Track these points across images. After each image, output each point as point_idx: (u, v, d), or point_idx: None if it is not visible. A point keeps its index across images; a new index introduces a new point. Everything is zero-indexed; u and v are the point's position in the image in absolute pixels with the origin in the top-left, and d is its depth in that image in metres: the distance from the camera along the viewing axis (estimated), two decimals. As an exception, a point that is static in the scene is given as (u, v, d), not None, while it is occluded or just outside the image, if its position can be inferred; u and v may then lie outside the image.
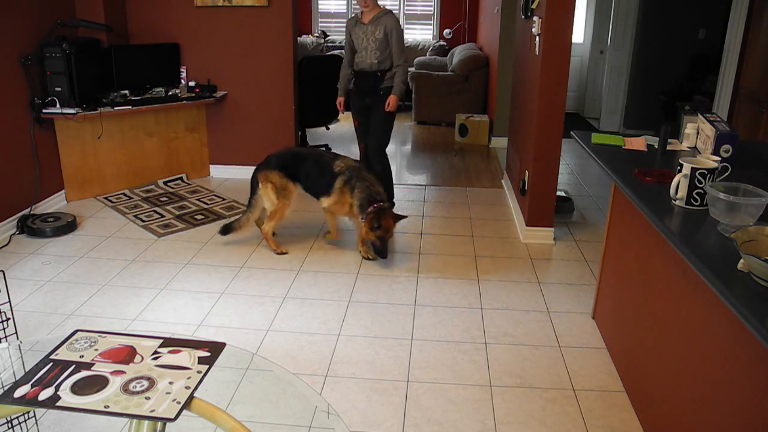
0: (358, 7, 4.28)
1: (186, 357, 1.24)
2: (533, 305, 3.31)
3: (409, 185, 5.39)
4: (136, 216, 4.44)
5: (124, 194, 4.88)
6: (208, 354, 1.25)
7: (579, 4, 7.14)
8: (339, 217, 4.11)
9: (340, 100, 4.61)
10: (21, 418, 2.03)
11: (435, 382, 2.63)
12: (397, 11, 9.44)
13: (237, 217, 4.10)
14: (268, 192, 3.82)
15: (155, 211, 4.55)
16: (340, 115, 6.65)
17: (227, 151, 5.40)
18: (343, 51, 8.52)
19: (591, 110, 8.37)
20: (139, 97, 4.87)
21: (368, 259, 3.81)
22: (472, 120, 6.93)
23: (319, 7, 9.78)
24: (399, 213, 3.95)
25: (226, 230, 3.96)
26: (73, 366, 1.19)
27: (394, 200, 4.69)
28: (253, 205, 3.91)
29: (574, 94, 8.40)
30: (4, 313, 1.92)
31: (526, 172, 4.17)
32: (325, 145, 6.27)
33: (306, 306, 3.26)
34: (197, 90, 5.07)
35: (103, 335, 1.30)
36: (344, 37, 4.55)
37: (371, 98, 4.35)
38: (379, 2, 4.26)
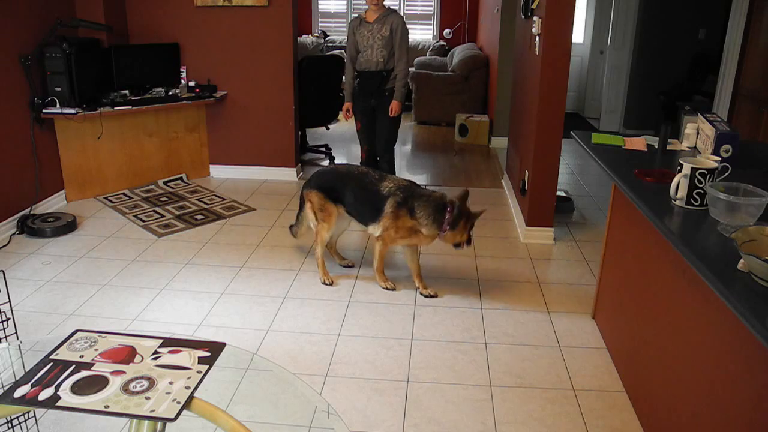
0: (359, 6, 4.28)
1: (186, 357, 1.24)
2: (533, 305, 3.31)
3: (409, 185, 5.38)
4: (136, 216, 4.44)
5: (124, 194, 4.88)
6: (208, 354, 1.25)
7: (579, 4, 7.13)
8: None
9: (348, 105, 4.43)
10: (21, 418, 2.03)
11: (435, 382, 2.63)
12: (397, 10, 9.44)
13: (295, 223, 3.80)
14: (308, 212, 3.53)
15: (155, 211, 4.55)
16: (341, 116, 6.64)
17: (227, 151, 5.40)
18: (342, 51, 8.64)
19: (591, 110, 8.37)
20: (139, 97, 4.87)
21: (431, 296, 3.38)
22: (472, 120, 6.93)
23: (319, 7, 9.77)
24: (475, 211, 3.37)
25: (292, 230, 3.81)
26: (73, 366, 1.19)
27: None
28: (300, 221, 3.69)
29: (574, 94, 8.40)
30: (4, 313, 1.92)
31: (526, 172, 4.17)
32: (325, 145, 6.27)
33: (306, 306, 3.26)
34: (197, 90, 5.07)
35: (103, 335, 1.30)
36: (346, 38, 4.44)
37: (377, 99, 4.31)
38: (385, 2, 4.27)
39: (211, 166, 5.45)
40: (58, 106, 4.36)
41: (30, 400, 1.10)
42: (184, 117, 5.17)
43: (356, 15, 4.48)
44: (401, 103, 4.29)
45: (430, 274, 3.65)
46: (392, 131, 4.41)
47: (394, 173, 4.53)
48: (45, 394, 1.11)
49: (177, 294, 3.36)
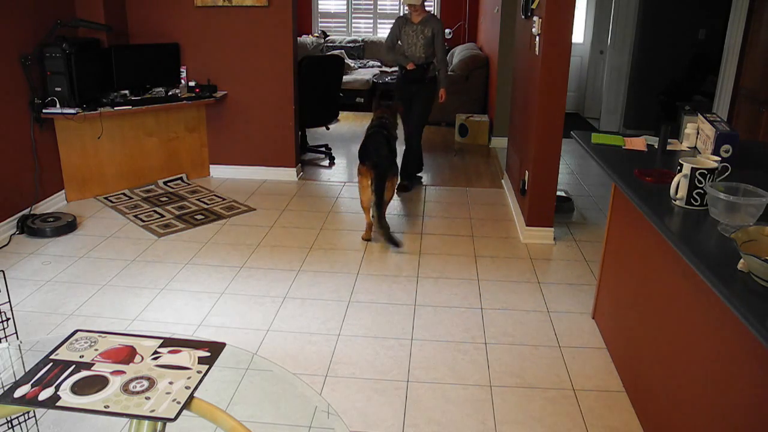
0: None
1: (186, 357, 1.24)
2: (533, 305, 3.31)
3: (409, 185, 5.38)
4: (136, 216, 4.44)
5: (124, 194, 4.88)
6: (208, 354, 1.25)
7: (579, 4, 7.14)
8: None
9: (411, 65, 5.01)
10: (21, 418, 2.03)
11: (435, 382, 2.63)
12: (398, 11, 9.44)
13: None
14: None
15: (155, 211, 4.55)
16: (340, 115, 6.65)
17: (227, 151, 5.40)
18: (342, 51, 8.71)
19: (591, 110, 8.37)
20: (139, 97, 4.87)
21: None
22: (472, 120, 6.93)
23: (319, 7, 9.77)
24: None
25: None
26: (73, 366, 1.19)
27: (421, 174, 5.50)
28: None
29: (574, 94, 8.39)
30: (4, 313, 1.92)
31: (526, 172, 4.17)
32: (325, 145, 6.27)
33: (306, 306, 3.26)
34: (197, 90, 5.07)
35: (103, 335, 1.30)
36: (391, 29, 5.14)
37: (417, 86, 5.06)
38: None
39: (211, 166, 5.45)
40: (58, 106, 4.36)
41: (30, 400, 1.10)
42: (184, 117, 5.17)
43: (402, 14, 5.24)
44: (445, 90, 5.12)
45: (429, 273, 3.65)
46: (426, 113, 5.17)
47: (420, 150, 5.33)
48: (45, 394, 1.11)
49: (177, 294, 3.36)
